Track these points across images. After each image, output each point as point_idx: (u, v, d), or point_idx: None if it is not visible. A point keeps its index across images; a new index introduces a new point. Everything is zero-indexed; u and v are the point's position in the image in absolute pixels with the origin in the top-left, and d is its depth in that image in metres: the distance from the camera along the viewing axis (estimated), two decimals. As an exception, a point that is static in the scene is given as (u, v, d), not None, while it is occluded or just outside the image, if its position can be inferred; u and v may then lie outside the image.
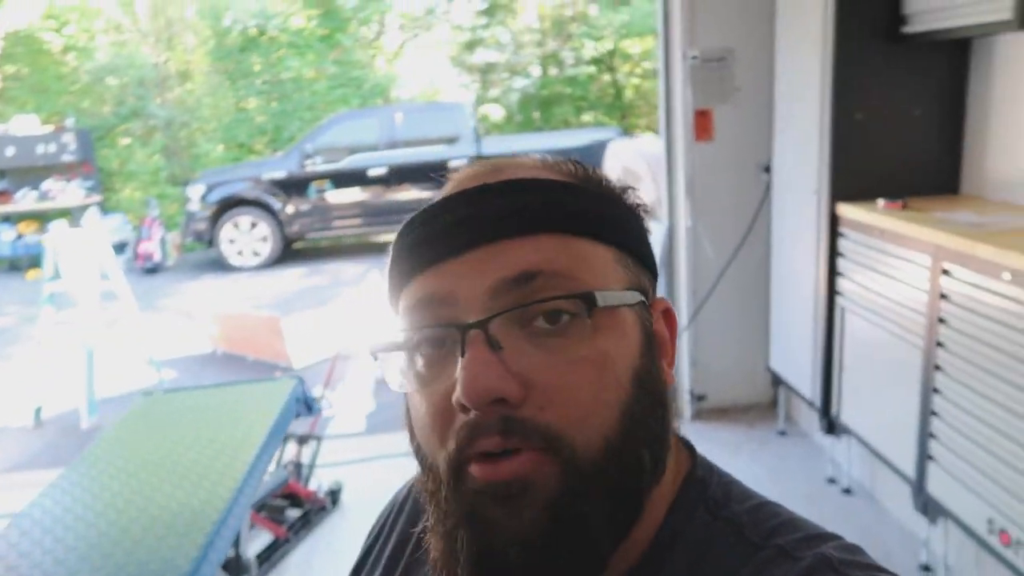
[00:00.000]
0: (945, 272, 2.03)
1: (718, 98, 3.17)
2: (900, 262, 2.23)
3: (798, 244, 2.87)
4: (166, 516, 1.68)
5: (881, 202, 2.41)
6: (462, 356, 0.47)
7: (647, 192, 3.72)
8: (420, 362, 0.51)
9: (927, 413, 2.15)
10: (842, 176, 2.56)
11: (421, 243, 0.51)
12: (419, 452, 0.53)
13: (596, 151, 8.24)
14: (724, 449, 3.20)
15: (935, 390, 2.11)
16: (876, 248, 2.37)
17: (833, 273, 2.63)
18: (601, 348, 0.48)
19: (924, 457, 2.18)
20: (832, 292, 2.65)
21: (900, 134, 2.57)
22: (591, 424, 0.47)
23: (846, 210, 2.52)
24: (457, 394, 0.46)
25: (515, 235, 0.49)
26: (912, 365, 2.20)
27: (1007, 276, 1.79)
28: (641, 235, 0.56)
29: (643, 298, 0.53)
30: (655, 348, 0.52)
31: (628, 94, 11.95)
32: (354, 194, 8.13)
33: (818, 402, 2.80)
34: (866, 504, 2.77)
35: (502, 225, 0.49)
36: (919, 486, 2.22)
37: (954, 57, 2.51)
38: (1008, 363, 1.81)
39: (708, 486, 0.54)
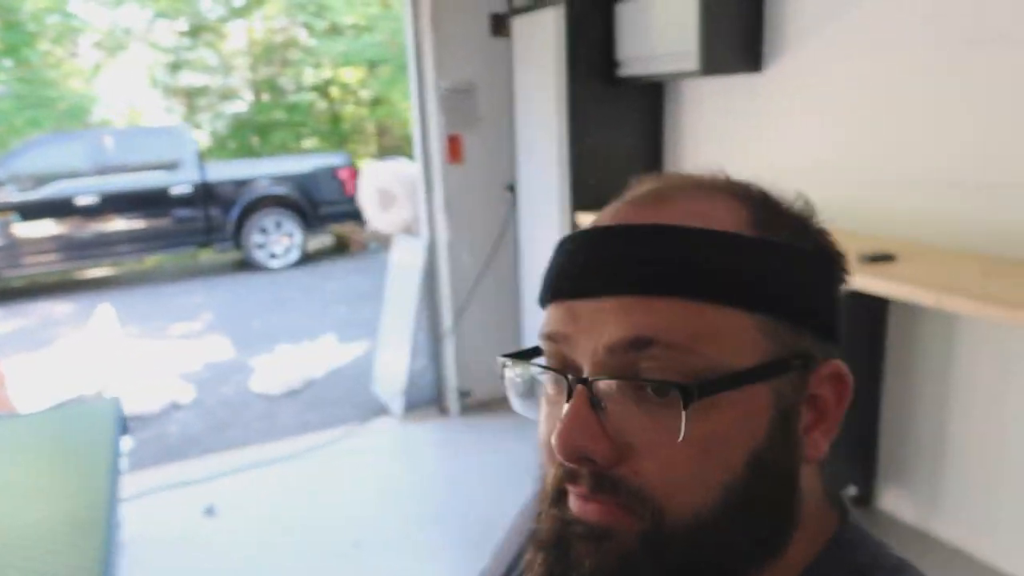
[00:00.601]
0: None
1: (465, 125, 3.59)
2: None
3: (544, 249, 3.36)
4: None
5: (611, 211, 2.98)
6: (567, 402, 0.47)
7: (402, 212, 4.03)
8: (545, 387, 0.52)
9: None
10: (579, 190, 3.10)
11: (561, 271, 0.51)
12: (540, 464, 0.54)
13: (321, 177, 8.38)
14: (493, 436, 3.60)
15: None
16: (611, 248, 2.92)
17: (576, 272, 3.15)
18: (710, 430, 0.45)
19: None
20: (576, 288, 3.17)
21: (618, 156, 3.18)
22: (683, 500, 0.45)
23: (584, 218, 3.06)
24: (552, 440, 0.47)
25: (641, 293, 0.46)
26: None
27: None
28: (818, 290, 0.49)
29: (792, 367, 0.47)
30: (792, 423, 0.48)
31: (346, 122, 12.19)
32: (50, 227, 7.35)
33: (570, 382, 3.31)
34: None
35: (632, 279, 0.46)
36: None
37: (653, 95, 3.18)
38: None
39: (855, 551, 0.51)
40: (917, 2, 2.13)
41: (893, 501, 2.44)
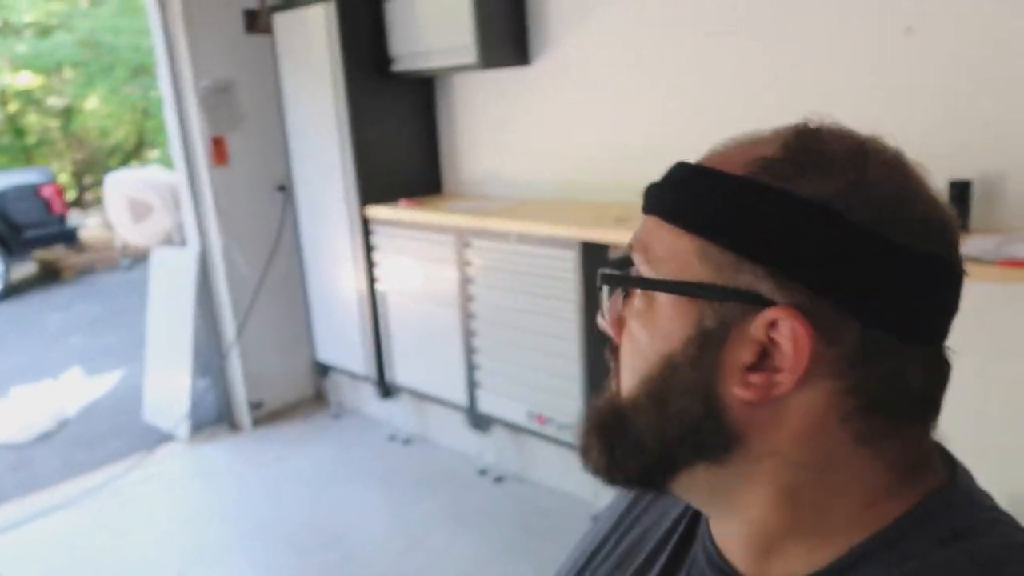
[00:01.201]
0: (467, 245, 2.78)
1: (228, 125, 3.44)
2: (430, 245, 2.91)
3: (332, 246, 3.36)
4: None
5: (402, 201, 3.07)
6: None
7: (161, 221, 3.74)
8: None
9: (469, 353, 2.88)
10: (365, 184, 3.15)
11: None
12: None
13: (19, 196, 7.32)
14: (287, 445, 3.52)
15: (472, 333, 2.85)
16: (407, 237, 3.01)
17: (370, 264, 3.20)
18: (640, 324, 0.54)
19: (472, 386, 2.92)
20: (372, 280, 3.22)
21: (398, 149, 3.27)
22: (625, 375, 0.56)
23: (374, 211, 3.11)
24: None
25: (647, 211, 0.56)
26: (452, 322, 2.91)
27: (513, 238, 2.59)
28: (787, 234, 0.48)
29: (716, 296, 0.50)
30: (713, 347, 0.50)
31: (31, 134, 10.70)
32: None
33: (374, 375, 3.35)
34: (424, 446, 3.43)
35: (647, 200, 0.56)
36: (472, 409, 2.95)
37: (425, 90, 3.32)
38: (522, 298, 2.63)
39: (955, 513, 0.50)
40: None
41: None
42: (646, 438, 0.54)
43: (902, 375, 0.49)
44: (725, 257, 0.49)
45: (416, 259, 3.01)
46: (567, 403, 2.59)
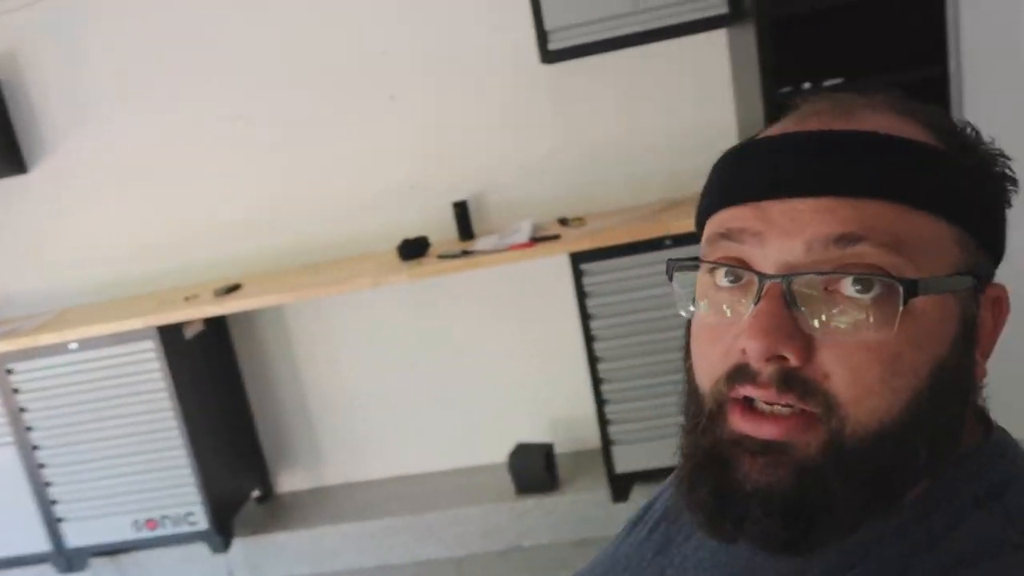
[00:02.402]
0: (9, 372, 2.48)
1: None
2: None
3: None
4: None
5: None
6: (755, 303, 0.47)
7: None
8: (714, 291, 0.51)
9: (41, 488, 2.56)
10: None
11: (744, 174, 0.51)
12: (689, 375, 0.53)
13: None
14: None
15: (40, 466, 2.55)
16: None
17: None
18: (906, 334, 0.45)
19: (54, 524, 2.60)
20: None
21: None
22: (871, 405, 0.45)
23: None
24: (742, 340, 0.47)
25: (848, 194, 0.46)
26: (10, 463, 2.55)
27: (74, 346, 2.44)
28: (996, 212, 0.50)
29: (974, 283, 0.48)
30: (972, 338, 0.48)
31: None
32: None
33: None
34: None
35: (838, 180, 0.46)
36: (59, 550, 2.62)
37: None
38: (101, 405, 2.48)
39: (990, 469, 0.50)
40: (157, 84, 2.65)
41: (289, 480, 3.00)
42: (904, 474, 0.47)
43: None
44: (972, 241, 0.48)
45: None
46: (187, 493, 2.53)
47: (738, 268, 0.49)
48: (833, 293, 0.46)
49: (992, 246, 0.50)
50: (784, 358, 0.46)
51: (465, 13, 2.51)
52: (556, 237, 2.32)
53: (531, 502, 2.55)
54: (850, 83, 2.06)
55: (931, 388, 0.46)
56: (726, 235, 0.50)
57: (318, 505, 2.87)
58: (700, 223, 0.55)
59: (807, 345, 0.46)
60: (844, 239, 0.45)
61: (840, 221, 0.46)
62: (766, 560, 0.50)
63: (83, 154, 2.72)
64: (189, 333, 2.56)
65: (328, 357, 2.86)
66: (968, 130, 0.52)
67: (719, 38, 2.43)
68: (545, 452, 2.58)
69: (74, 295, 2.85)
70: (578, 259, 2.27)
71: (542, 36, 2.27)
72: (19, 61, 2.66)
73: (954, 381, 0.47)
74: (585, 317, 2.31)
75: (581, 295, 2.30)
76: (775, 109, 2.06)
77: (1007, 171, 0.51)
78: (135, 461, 2.52)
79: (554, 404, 2.78)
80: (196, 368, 2.59)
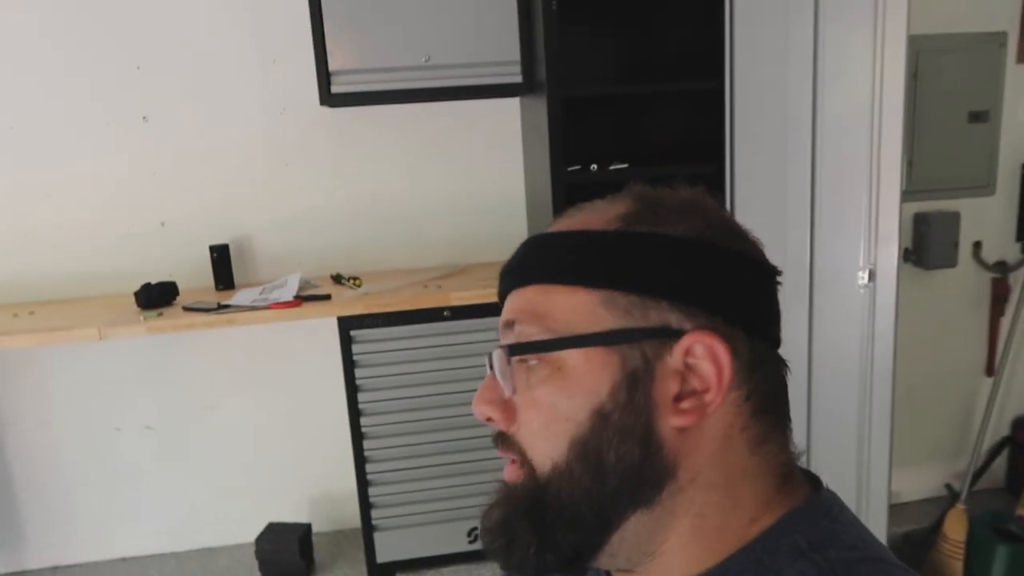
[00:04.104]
0: None
1: None
2: None
3: None
4: None
5: None
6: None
7: None
8: None
9: None
10: None
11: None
12: None
13: None
14: None
15: None
16: None
17: None
18: (555, 387, 0.53)
19: None
20: None
21: None
22: (542, 450, 0.54)
23: None
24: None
25: (517, 286, 0.57)
26: None
27: None
28: (678, 270, 0.53)
29: (633, 337, 0.52)
30: (643, 386, 0.52)
31: None
32: None
33: None
34: None
35: (513, 277, 0.58)
36: None
37: None
38: None
39: (812, 525, 0.53)
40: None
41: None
42: (582, 504, 0.53)
43: (778, 373, 0.57)
44: (629, 300, 0.52)
45: None
46: None
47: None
48: (508, 365, 0.55)
49: (691, 301, 0.52)
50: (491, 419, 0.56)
51: (242, 35, 2.24)
52: (327, 297, 2.09)
53: (278, 593, 2.25)
54: (632, 170, 2.06)
55: (591, 430, 0.52)
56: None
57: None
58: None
59: (508, 408, 0.56)
60: (508, 324, 0.56)
61: (508, 311, 0.57)
62: None
63: None
64: None
65: (39, 418, 2.38)
66: (683, 203, 0.56)
67: (513, 106, 2.37)
68: (300, 535, 2.30)
69: None
70: (348, 324, 2.06)
71: (325, 77, 2.06)
72: None
73: (618, 423, 0.52)
74: (352, 389, 2.09)
75: (349, 364, 2.08)
76: (561, 185, 2.01)
77: (715, 236, 0.55)
78: None
79: (313, 479, 2.51)
80: None
